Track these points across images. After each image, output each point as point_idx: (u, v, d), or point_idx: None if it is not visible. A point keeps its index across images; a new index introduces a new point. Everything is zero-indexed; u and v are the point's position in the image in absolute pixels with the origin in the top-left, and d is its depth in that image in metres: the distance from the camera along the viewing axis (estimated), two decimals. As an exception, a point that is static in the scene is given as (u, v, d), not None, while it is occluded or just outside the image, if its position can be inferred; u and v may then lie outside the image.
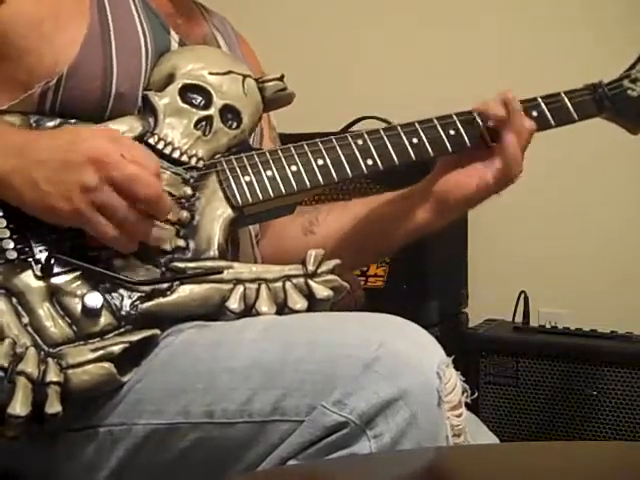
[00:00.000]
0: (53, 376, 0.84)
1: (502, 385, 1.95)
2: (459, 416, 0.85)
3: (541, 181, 2.33)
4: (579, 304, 2.24)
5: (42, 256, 0.90)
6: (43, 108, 0.98)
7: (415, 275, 2.09)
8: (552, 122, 1.13)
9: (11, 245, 0.91)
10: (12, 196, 0.90)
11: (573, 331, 1.99)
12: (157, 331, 0.91)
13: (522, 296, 2.10)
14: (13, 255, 0.90)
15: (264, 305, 0.93)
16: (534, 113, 1.11)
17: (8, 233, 0.91)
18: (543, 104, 1.12)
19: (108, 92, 0.99)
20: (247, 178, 1.00)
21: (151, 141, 1.00)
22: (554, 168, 2.31)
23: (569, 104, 1.13)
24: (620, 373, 1.85)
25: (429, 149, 1.08)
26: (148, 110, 1.01)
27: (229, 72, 1.06)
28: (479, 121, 1.10)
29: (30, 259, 0.91)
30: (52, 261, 0.90)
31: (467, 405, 0.89)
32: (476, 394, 0.89)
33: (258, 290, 0.93)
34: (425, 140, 1.08)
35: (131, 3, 1.05)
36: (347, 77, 2.43)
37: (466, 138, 1.10)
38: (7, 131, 0.95)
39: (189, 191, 0.99)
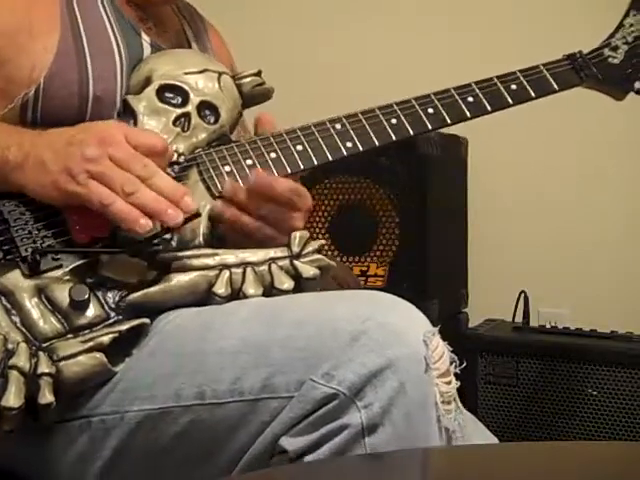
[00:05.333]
0: (45, 368, 0.85)
1: (502, 385, 1.94)
2: (449, 383, 0.86)
3: (541, 181, 2.33)
4: (579, 304, 2.25)
5: (28, 254, 0.92)
6: (25, 119, 1.01)
7: (415, 275, 2.09)
8: (532, 94, 1.14)
9: None
10: (22, 182, 0.93)
11: (573, 331, 1.99)
12: (147, 320, 0.92)
13: (522, 296, 2.10)
14: None
15: (251, 288, 0.94)
16: (513, 86, 1.13)
17: None
18: (522, 77, 1.14)
19: (86, 96, 1.01)
20: (227, 168, 1.02)
21: None
22: (554, 168, 2.32)
23: (548, 75, 1.15)
24: (620, 373, 1.85)
25: (409, 128, 1.08)
26: (128, 113, 1.04)
27: (205, 70, 1.08)
28: (457, 99, 1.11)
29: (17, 259, 0.92)
30: (38, 257, 0.91)
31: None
32: (465, 364, 0.89)
33: (244, 274, 0.94)
34: (404, 120, 1.08)
35: (101, 9, 1.08)
36: (346, 77, 2.43)
37: (445, 115, 1.10)
38: (15, 128, 0.97)
39: None
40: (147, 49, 1.10)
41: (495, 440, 1.06)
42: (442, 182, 2.17)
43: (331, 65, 2.44)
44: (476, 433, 0.99)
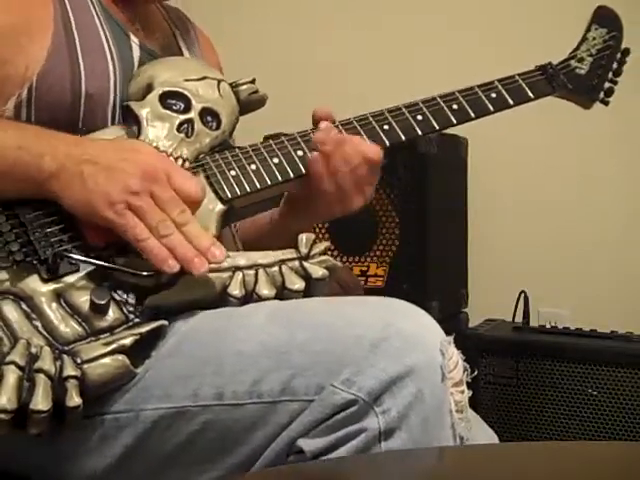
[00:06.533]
0: (70, 370, 0.85)
1: (502, 385, 1.95)
2: (462, 392, 0.88)
3: (541, 181, 2.33)
4: (579, 304, 2.25)
5: (47, 257, 0.92)
6: (19, 117, 1.01)
7: (415, 275, 2.09)
8: (510, 102, 1.20)
9: (16, 247, 0.92)
10: (56, 191, 0.92)
11: (573, 331, 1.99)
12: (165, 322, 0.92)
13: (522, 296, 2.10)
14: (20, 257, 0.92)
15: (264, 288, 0.96)
16: (493, 95, 1.19)
17: (13, 236, 0.93)
18: (500, 86, 1.20)
19: (78, 94, 1.02)
20: (233, 172, 1.05)
21: None
22: (554, 168, 2.32)
23: (524, 84, 1.21)
24: (620, 373, 1.85)
25: (400, 134, 1.13)
26: (131, 119, 1.05)
27: (204, 78, 1.10)
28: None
29: (35, 262, 0.92)
30: (58, 261, 0.91)
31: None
32: (476, 372, 0.91)
33: (256, 275, 0.96)
34: (395, 126, 1.13)
35: (92, 10, 1.08)
36: (345, 76, 2.43)
37: (433, 122, 1.15)
38: (46, 132, 0.97)
39: None
40: (136, 50, 1.12)
41: (494, 435, 1.06)
42: (442, 182, 2.17)
43: (329, 64, 2.44)
44: (477, 429, 0.99)
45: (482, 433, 1.03)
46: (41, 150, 0.93)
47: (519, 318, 2.08)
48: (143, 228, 0.91)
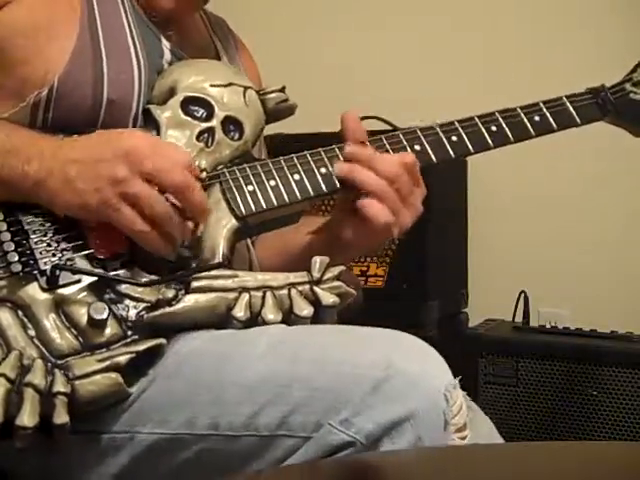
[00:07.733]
0: (60, 387, 0.84)
1: (502, 385, 1.95)
2: (463, 438, 0.86)
3: (541, 181, 2.33)
4: (579, 304, 2.25)
5: (47, 268, 0.90)
6: (35, 120, 0.98)
7: (415, 275, 2.10)
8: (554, 126, 1.13)
9: (15, 258, 0.91)
10: (45, 198, 0.92)
11: (573, 331, 1.99)
12: (163, 340, 0.90)
13: (522, 296, 2.10)
14: (18, 268, 0.91)
15: (270, 313, 0.92)
16: (536, 118, 1.12)
17: (13, 246, 0.92)
18: (545, 109, 1.12)
19: (99, 100, 0.99)
20: (250, 188, 1.00)
21: None
22: (554, 168, 2.32)
23: (571, 108, 1.14)
24: (620, 373, 1.85)
25: (432, 155, 1.08)
26: (150, 123, 1.02)
27: (230, 84, 1.06)
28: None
29: (35, 271, 0.91)
30: (57, 272, 0.90)
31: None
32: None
33: (263, 298, 0.92)
34: (427, 146, 1.08)
35: (122, 13, 1.05)
36: (348, 77, 2.43)
37: (469, 144, 1.10)
38: (36, 136, 0.95)
39: None
40: (167, 54, 1.08)
41: (493, 426, 1.05)
42: (442, 182, 2.17)
43: (334, 66, 2.44)
44: (476, 419, 0.99)
45: (482, 424, 1.02)
46: (28, 154, 0.92)
47: (519, 318, 2.09)
48: (139, 221, 0.89)
